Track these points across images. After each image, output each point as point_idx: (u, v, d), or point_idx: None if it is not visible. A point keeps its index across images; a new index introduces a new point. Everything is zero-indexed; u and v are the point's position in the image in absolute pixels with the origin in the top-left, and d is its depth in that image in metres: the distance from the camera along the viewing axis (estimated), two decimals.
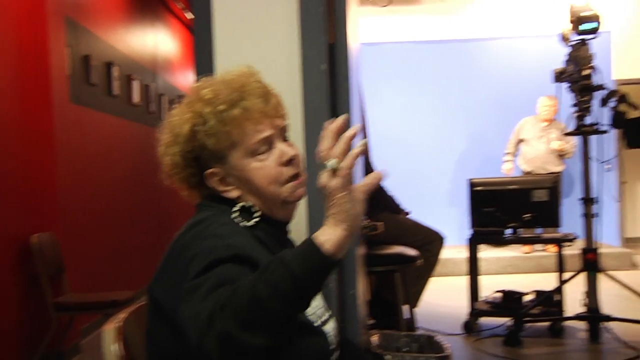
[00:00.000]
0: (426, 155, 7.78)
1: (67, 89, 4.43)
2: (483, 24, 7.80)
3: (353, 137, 1.10)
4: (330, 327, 1.44)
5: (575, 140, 6.58)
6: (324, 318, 1.44)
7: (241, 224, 1.35)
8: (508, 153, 7.03)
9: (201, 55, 2.06)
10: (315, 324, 1.39)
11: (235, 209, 1.38)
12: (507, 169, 6.99)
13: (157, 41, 7.08)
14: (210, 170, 1.39)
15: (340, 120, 1.12)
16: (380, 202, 3.93)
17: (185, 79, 8.23)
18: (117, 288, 4.62)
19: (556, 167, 6.82)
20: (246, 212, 1.38)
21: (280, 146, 1.40)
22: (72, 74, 4.53)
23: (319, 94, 1.93)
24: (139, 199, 6.10)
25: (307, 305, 1.12)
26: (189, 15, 7.29)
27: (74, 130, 4.56)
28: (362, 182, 1.11)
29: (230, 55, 2.02)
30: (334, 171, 1.10)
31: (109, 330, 1.40)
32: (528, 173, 6.85)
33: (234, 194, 1.40)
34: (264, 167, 1.38)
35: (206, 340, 1.07)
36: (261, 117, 1.38)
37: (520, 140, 6.94)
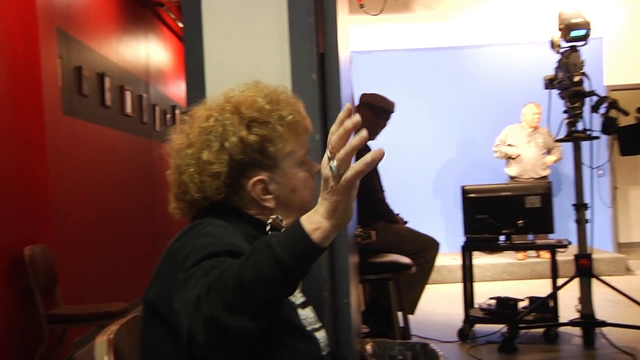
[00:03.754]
0: (420, 162, 7.81)
1: (59, 100, 4.43)
2: (474, 32, 7.84)
3: (359, 146, 1.06)
4: (321, 335, 1.45)
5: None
6: (315, 326, 1.45)
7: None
8: (497, 145, 7.03)
9: (191, 65, 2.06)
10: (307, 330, 1.39)
11: (269, 221, 1.37)
12: (504, 153, 6.97)
13: (149, 51, 7.08)
14: (260, 177, 1.38)
15: (347, 109, 1.09)
16: (376, 211, 3.95)
17: (178, 89, 8.23)
18: (111, 300, 4.60)
19: (544, 172, 6.90)
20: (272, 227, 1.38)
21: (310, 160, 1.46)
22: (64, 85, 4.52)
23: (310, 103, 1.93)
24: (133, 210, 6.08)
25: (291, 291, 1.12)
26: (181, 26, 7.32)
27: (67, 141, 4.55)
28: (360, 162, 1.07)
29: (220, 66, 2.02)
30: (336, 175, 1.07)
31: (101, 343, 1.39)
32: (514, 178, 6.88)
33: (271, 203, 1.39)
34: (308, 178, 1.44)
35: (193, 323, 1.07)
36: (308, 130, 1.45)
37: (508, 146, 6.97)
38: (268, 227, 1.38)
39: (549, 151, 6.98)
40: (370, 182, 3.85)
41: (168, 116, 7.69)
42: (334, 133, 1.08)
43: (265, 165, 1.38)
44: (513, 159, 6.92)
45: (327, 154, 1.08)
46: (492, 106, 7.71)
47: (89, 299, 4.61)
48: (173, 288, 1.19)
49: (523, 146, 6.90)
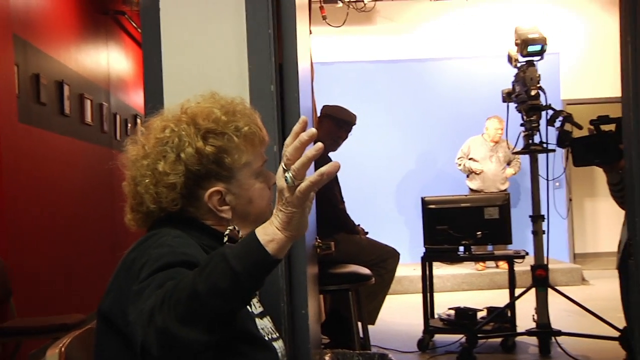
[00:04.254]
0: (381, 174, 7.86)
1: (15, 108, 4.34)
2: (435, 45, 7.95)
3: (314, 157, 1.08)
4: (279, 345, 1.45)
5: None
6: (273, 335, 1.45)
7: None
8: (460, 157, 7.12)
9: (150, 75, 2.05)
10: (265, 340, 1.39)
11: (226, 232, 1.39)
12: (467, 168, 7.06)
13: (110, 60, 7.00)
14: (216, 189, 1.37)
15: (302, 121, 1.11)
16: (336, 222, 3.96)
17: (140, 98, 8.16)
18: (68, 312, 4.52)
19: (504, 185, 7.02)
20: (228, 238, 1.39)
21: (267, 171, 1.46)
22: (21, 93, 4.44)
23: (268, 114, 1.94)
24: (92, 220, 5.99)
25: (245, 303, 1.13)
26: None
27: (23, 150, 4.46)
28: (315, 174, 1.08)
29: (179, 76, 2.02)
30: (291, 187, 1.08)
31: (52, 356, 1.37)
32: (475, 191, 6.97)
33: (228, 214, 1.39)
34: (264, 189, 1.44)
35: (147, 335, 1.07)
36: (265, 142, 1.46)
37: (470, 159, 7.06)
38: (225, 239, 1.38)
39: (508, 164, 7.10)
40: (331, 193, 3.87)
41: (129, 125, 7.61)
42: (289, 145, 1.09)
43: (222, 176, 1.38)
44: (477, 174, 7.01)
45: (283, 165, 1.09)
46: (453, 118, 7.81)
47: (45, 311, 4.51)
48: (128, 299, 1.18)
49: (485, 160, 7.00)
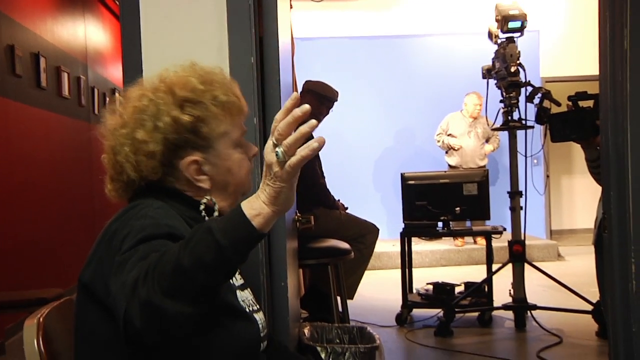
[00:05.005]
0: (361, 150, 7.87)
1: None
2: (416, 21, 7.93)
3: (308, 133, 1.08)
4: (259, 317, 1.46)
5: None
6: (254, 307, 1.46)
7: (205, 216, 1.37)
8: (439, 134, 7.16)
9: (129, 47, 2.02)
10: (246, 311, 1.40)
11: (203, 201, 1.38)
12: (445, 144, 7.11)
13: (88, 32, 6.90)
14: (193, 158, 1.37)
15: (294, 97, 1.11)
16: (316, 197, 3.96)
17: (119, 71, 8.05)
18: (46, 286, 4.50)
19: (482, 161, 7.06)
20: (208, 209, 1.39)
21: (247, 142, 1.45)
22: None
23: (248, 87, 1.93)
24: (70, 194, 5.94)
25: (230, 277, 1.13)
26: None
27: None
28: (305, 148, 1.08)
29: (158, 47, 1.99)
30: (281, 161, 1.09)
31: (30, 327, 1.37)
32: (454, 167, 7.02)
33: (206, 184, 1.39)
34: (244, 159, 1.43)
35: (130, 307, 1.07)
36: (243, 112, 1.44)
37: (449, 135, 7.10)
38: (202, 207, 1.38)
39: (487, 140, 7.14)
40: (311, 168, 3.87)
41: (107, 99, 7.52)
42: (280, 120, 1.09)
43: (199, 145, 1.37)
44: (455, 150, 7.05)
45: (272, 140, 1.10)
46: (433, 95, 7.83)
47: (24, 285, 4.49)
48: (110, 270, 1.18)
49: (464, 136, 7.04)
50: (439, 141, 7.15)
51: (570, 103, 2.73)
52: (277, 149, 1.09)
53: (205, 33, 1.98)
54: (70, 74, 5.99)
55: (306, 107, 1.09)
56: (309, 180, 3.66)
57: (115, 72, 7.94)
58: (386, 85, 7.92)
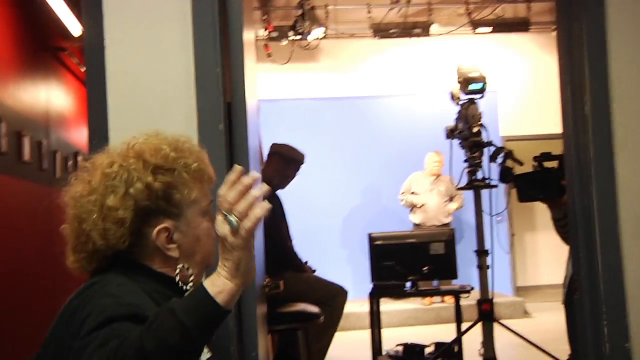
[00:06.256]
0: (326, 210, 7.87)
1: None
2: (377, 82, 8.08)
3: (259, 196, 1.09)
4: None
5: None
6: None
7: (182, 291, 1.33)
8: (403, 192, 7.22)
9: (94, 112, 2.01)
10: None
11: (177, 271, 1.35)
12: (409, 202, 7.14)
13: (50, 96, 6.85)
14: (164, 225, 1.34)
15: (237, 170, 1.12)
16: (284, 260, 3.92)
17: (81, 135, 7.98)
18: None
19: (446, 219, 7.13)
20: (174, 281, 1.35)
21: (213, 212, 1.42)
22: None
23: (217, 153, 1.92)
24: (29, 264, 5.77)
25: (197, 355, 1.10)
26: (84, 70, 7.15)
27: None
28: (256, 209, 1.09)
29: (125, 113, 1.98)
30: (235, 229, 1.08)
31: None
32: (418, 225, 7.06)
33: (175, 253, 1.35)
34: (211, 229, 1.39)
35: None
36: (212, 180, 1.43)
37: (412, 194, 7.17)
38: (177, 278, 1.35)
39: (451, 199, 7.22)
40: (278, 230, 3.84)
41: (70, 162, 7.42)
42: (225, 195, 1.10)
43: (170, 213, 1.35)
44: (418, 207, 7.11)
45: (221, 213, 1.10)
46: (397, 154, 7.92)
47: None
48: (69, 355, 1.14)
49: (426, 194, 7.12)
50: (402, 200, 7.22)
51: (535, 164, 2.78)
52: (229, 218, 1.09)
53: (174, 100, 1.98)
54: (32, 138, 5.91)
55: (255, 174, 1.12)
56: (276, 243, 3.63)
57: (77, 136, 7.86)
58: (351, 145, 8.00)
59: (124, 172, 1.34)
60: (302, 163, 4.22)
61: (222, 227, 1.09)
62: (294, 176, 4.19)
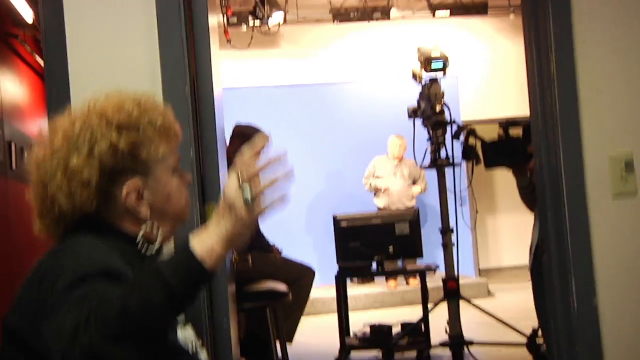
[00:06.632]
0: (291, 195, 7.83)
1: None
2: (339, 68, 8.09)
3: (276, 180, 1.11)
4: (203, 357, 1.39)
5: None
6: (196, 345, 1.39)
7: (146, 251, 1.30)
8: (366, 177, 7.25)
9: (54, 102, 1.94)
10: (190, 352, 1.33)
11: (141, 232, 1.30)
12: (374, 186, 7.17)
13: (3, 86, 6.66)
14: (133, 184, 1.29)
15: (265, 138, 1.13)
16: (251, 240, 3.88)
17: (37, 125, 7.79)
18: None
19: (410, 202, 7.17)
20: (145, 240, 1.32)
21: (182, 169, 1.41)
22: None
23: (185, 143, 1.89)
24: None
25: (176, 317, 1.08)
26: (39, 60, 6.95)
27: None
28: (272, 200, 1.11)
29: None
30: (248, 203, 1.08)
31: None
32: (382, 209, 7.09)
33: (146, 212, 1.31)
34: (182, 186, 1.37)
35: (69, 354, 1.00)
36: (178, 136, 1.39)
37: (375, 177, 7.20)
38: (140, 238, 1.30)
39: (414, 182, 7.27)
40: None
41: (26, 154, 7.24)
42: (248, 164, 1.09)
43: (138, 171, 1.31)
44: (382, 191, 7.15)
45: (238, 180, 1.08)
46: (361, 139, 7.94)
47: None
48: (41, 313, 1.10)
49: (390, 177, 7.16)
50: (366, 184, 7.25)
51: (501, 130, 2.81)
52: (245, 190, 1.07)
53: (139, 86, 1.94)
54: None
55: (283, 152, 1.13)
56: None
57: (33, 126, 7.67)
58: (313, 131, 7.99)
59: (87, 132, 1.28)
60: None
61: (234, 194, 1.08)
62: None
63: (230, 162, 2.78)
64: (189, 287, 1.05)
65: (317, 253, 7.58)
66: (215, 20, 2.44)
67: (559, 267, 1.90)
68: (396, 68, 7.68)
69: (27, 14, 6.03)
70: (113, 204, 1.30)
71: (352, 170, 7.79)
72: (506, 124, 2.80)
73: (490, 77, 8.23)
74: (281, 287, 3.53)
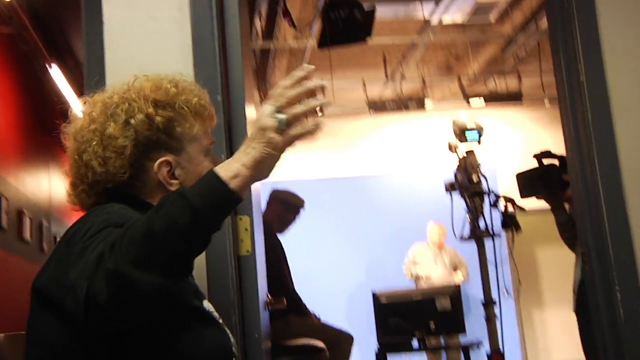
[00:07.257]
0: (332, 287, 7.73)
1: None
2: (377, 160, 8.21)
3: (315, 107, 1.10)
4: (229, 332, 1.35)
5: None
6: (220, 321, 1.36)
7: None
8: (406, 264, 7.13)
9: None
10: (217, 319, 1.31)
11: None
12: (414, 274, 7.04)
13: (52, 182, 6.91)
14: (166, 159, 1.32)
15: (307, 69, 1.12)
16: (287, 302, 3.81)
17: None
18: None
19: None
20: None
21: (214, 155, 1.43)
22: None
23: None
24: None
25: (204, 245, 1.06)
26: None
27: None
28: (307, 127, 1.10)
29: None
30: (282, 129, 1.08)
31: None
32: None
33: (175, 187, 1.32)
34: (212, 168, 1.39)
35: (94, 281, 0.98)
36: (213, 118, 1.42)
37: (416, 265, 7.08)
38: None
39: (454, 269, 7.13)
40: (280, 274, 3.77)
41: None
42: (287, 87, 1.10)
43: (172, 147, 1.33)
44: (423, 279, 7.00)
45: (273, 105, 1.10)
46: (397, 228, 7.87)
47: None
48: (68, 265, 1.10)
49: (431, 265, 7.03)
50: (406, 271, 7.13)
51: (536, 161, 2.79)
52: (279, 116, 1.08)
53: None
54: (33, 219, 5.92)
55: (324, 83, 1.12)
56: (279, 286, 3.55)
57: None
58: (352, 223, 8.00)
59: (125, 104, 1.34)
60: (301, 207, 4.27)
61: (268, 119, 1.09)
62: (294, 220, 4.22)
63: (267, 225, 2.79)
64: (214, 209, 1.05)
65: (359, 348, 7.35)
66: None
67: (602, 278, 1.82)
68: (432, 157, 7.74)
69: (77, 108, 6.33)
70: (145, 177, 1.33)
71: (393, 259, 7.69)
72: (540, 155, 2.78)
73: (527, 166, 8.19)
74: (318, 343, 3.42)
